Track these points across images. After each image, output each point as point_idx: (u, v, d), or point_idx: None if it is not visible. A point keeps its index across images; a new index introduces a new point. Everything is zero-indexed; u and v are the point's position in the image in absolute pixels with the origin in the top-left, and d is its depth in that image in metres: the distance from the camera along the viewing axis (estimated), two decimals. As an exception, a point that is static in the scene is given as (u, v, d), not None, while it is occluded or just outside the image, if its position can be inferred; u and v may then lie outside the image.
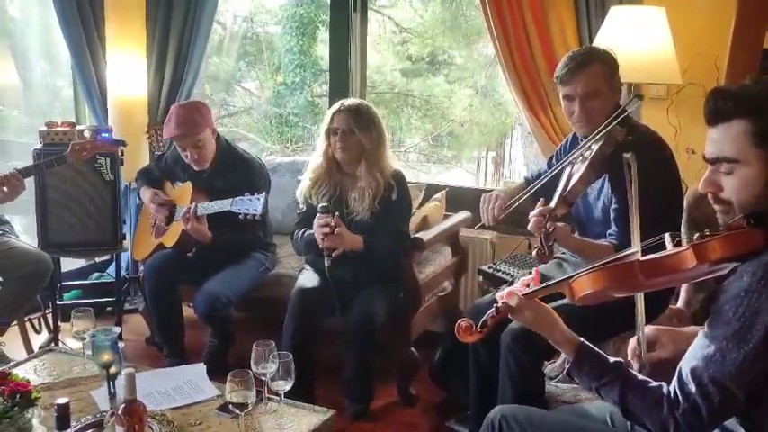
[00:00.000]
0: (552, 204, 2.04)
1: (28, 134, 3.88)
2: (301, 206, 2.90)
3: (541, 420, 1.56)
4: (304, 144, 5.35)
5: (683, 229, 2.08)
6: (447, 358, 2.76)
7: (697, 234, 1.26)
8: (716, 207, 1.31)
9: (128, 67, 3.95)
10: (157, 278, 2.98)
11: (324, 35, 5.09)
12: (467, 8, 4.98)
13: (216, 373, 2.15)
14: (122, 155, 3.31)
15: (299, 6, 5.36)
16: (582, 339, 1.47)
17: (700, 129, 1.31)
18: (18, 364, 2.25)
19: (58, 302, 3.38)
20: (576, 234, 2.28)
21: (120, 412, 1.54)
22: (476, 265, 3.33)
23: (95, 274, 3.94)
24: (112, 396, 1.93)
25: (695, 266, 1.25)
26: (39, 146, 3.22)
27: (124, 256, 3.66)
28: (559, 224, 2.02)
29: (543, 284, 1.54)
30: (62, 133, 3.24)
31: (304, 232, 2.82)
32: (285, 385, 1.86)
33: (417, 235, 2.89)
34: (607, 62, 2.14)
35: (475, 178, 5.35)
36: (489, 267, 3.05)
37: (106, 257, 3.82)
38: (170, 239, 3.04)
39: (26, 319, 3.25)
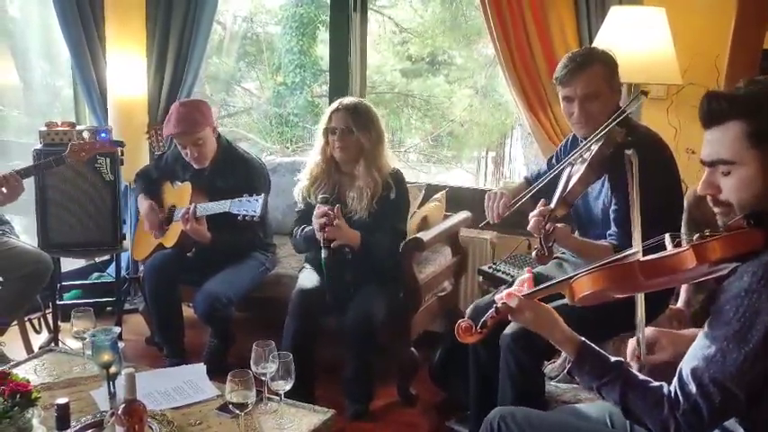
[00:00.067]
0: (552, 205, 2.04)
1: (28, 134, 3.88)
2: (299, 205, 2.90)
3: (540, 421, 1.57)
4: (304, 144, 5.34)
5: (683, 230, 2.08)
6: (447, 358, 2.76)
7: (697, 234, 1.26)
8: (715, 209, 1.31)
9: (128, 67, 3.95)
10: (157, 278, 2.98)
11: (324, 35, 5.08)
12: (467, 8, 4.98)
13: (216, 373, 2.14)
14: (122, 155, 3.31)
15: (299, 6, 5.35)
16: (583, 339, 1.47)
17: (700, 129, 1.31)
18: (18, 364, 2.25)
19: (58, 302, 3.38)
20: (577, 234, 2.28)
21: (120, 412, 1.54)
22: (476, 265, 3.33)
23: (95, 274, 3.94)
24: (112, 396, 1.93)
25: (695, 267, 1.25)
26: (39, 146, 3.22)
27: (124, 257, 3.66)
28: (559, 225, 2.02)
29: (543, 285, 1.54)
30: (62, 133, 3.24)
31: (303, 229, 2.82)
32: (285, 385, 1.86)
33: (417, 235, 2.89)
34: (607, 63, 2.14)
35: (475, 178, 5.35)
36: (489, 267, 3.05)
37: (106, 257, 3.81)
38: (170, 240, 3.05)
39: (26, 319, 3.25)
